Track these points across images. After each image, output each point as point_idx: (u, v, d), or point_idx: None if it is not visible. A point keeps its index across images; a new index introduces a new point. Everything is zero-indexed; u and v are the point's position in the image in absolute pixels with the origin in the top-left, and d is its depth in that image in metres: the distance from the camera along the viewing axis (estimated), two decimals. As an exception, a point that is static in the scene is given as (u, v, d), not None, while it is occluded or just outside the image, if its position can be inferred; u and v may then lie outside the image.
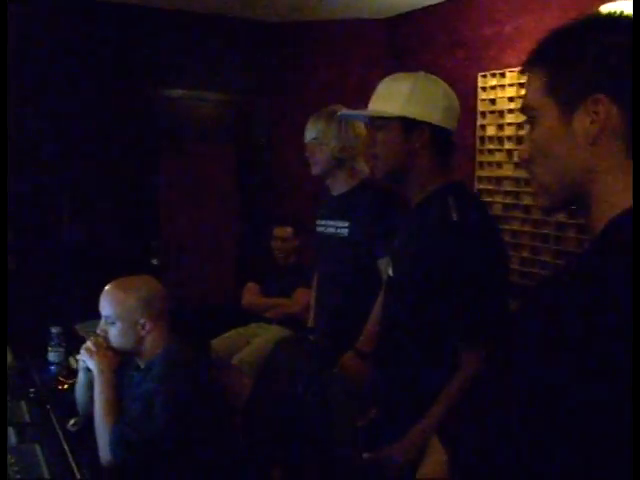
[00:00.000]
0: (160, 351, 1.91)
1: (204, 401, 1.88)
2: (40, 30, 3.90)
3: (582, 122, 0.85)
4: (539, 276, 3.28)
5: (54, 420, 2.04)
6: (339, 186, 2.40)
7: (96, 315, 2.00)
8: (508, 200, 3.57)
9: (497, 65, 3.63)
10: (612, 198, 0.84)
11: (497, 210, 3.59)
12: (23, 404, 2.14)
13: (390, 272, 1.72)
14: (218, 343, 3.37)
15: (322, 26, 4.56)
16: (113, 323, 1.92)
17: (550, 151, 0.89)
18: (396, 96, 1.62)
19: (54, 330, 2.52)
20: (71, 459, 1.80)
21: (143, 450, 1.76)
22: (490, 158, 3.69)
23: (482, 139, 3.73)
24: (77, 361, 2.07)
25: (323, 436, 2.27)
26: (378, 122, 1.65)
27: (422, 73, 1.67)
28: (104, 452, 1.80)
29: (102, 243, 4.06)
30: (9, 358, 2.40)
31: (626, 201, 0.81)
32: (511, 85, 3.53)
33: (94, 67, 4.03)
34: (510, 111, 3.54)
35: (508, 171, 3.57)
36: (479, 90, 3.72)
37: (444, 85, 1.67)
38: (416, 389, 1.60)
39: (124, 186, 4.18)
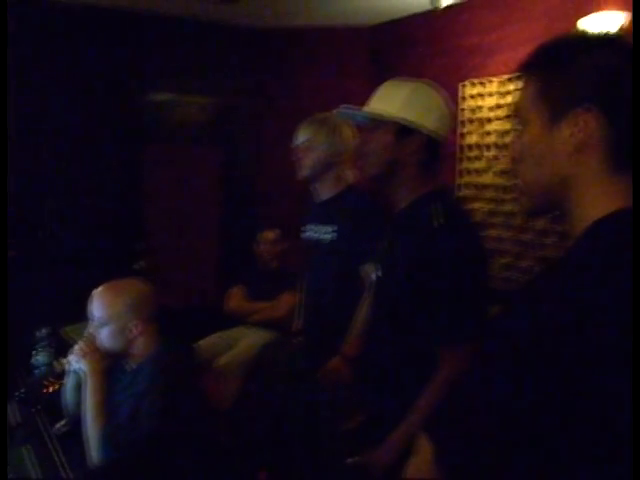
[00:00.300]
0: (150, 353, 1.92)
1: (192, 404, 1.90)
2: (27, 33, 3.87)
3: (566, 131, 0.88)
4: (520, 281, 3.32)
5: (41, 422, 2.04)
6: (325, 191, 2.41)
7: (83, 317, 2.01)
8: (490, 207, 3.62)
9: (478, 74, 3.69)
10: (591, 205, 0.86)
11: (479, 217, 3.63)
12: (11, 406, 2.13)
13: (375, 276, 1.74)
14: (202, 346, 3.37)
15: (305, 33, 4.60)
16: (103, 325, 1.93)
17: (535, 154, 0.93)
18: (395, 99, 1.65)
19: (43, 331, 2.50)
20: (59, 461, 1.81)
21: (132, 452, 1.77)
22: (471, 165, 3.75)
23: (462, 147, 3.79)
24: (63, 364, 2.07)
25: (308, 440, 2.30)
26: (374, 122, 1.67)
27: (425, 80, 1.71)
28: (93, 454, 1.80)
29: (86, 246, 4.04)
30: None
31: (606, 208, 0.84)
32: (490, 95, 3.59)
33: (80, 71, 4.02)
34: (491, 120, 3.60)
35: (489, 179, 3.63)
36: (459, 99, 3.79)
37: (444, 95, 1.71)
38: (402, 393, 1.62)
39: (109, 189, 4.17)
